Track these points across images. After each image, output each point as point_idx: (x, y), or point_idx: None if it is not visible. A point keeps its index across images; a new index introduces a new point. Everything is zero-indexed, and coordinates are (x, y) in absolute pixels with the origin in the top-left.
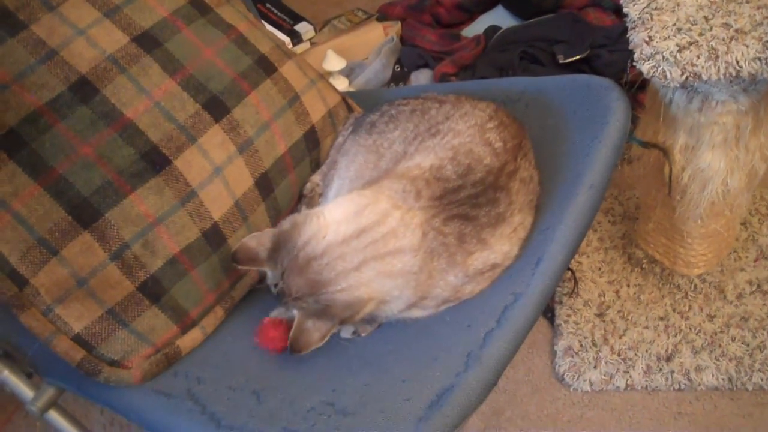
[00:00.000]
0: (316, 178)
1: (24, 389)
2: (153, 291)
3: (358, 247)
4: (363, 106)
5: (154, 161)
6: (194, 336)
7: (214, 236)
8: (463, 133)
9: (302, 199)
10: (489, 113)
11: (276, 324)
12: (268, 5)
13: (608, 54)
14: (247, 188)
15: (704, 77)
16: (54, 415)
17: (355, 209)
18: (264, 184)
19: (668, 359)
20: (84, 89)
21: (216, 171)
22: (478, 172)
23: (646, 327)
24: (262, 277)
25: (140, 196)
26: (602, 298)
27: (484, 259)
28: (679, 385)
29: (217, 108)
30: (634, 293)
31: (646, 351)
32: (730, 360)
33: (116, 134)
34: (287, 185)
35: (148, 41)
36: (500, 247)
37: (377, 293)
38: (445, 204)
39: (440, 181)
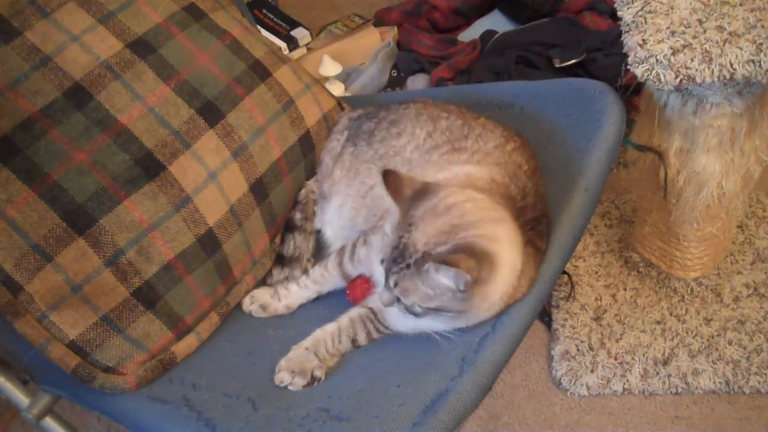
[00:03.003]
0: (312, 184)
1: (20, 396)
2: (148, 297)
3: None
4: None
5: (149, 167)
6: (189, 342)
7: (208, 242)
8: (492, 154)
9: (296, 206)
10: (501, 133)
11: (366, 279)
12: (264, 11)
13: (604, 58)
14: (242, 193)
15: (698, 80)
16: (50, 423)
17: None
18: (259, 189)
19: (665, 363)
20: (78, 95)
21: (210, 176)
22: (530, 197)
23: (643, 331)
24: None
25: (135, 202)
26: (599, 302)
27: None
28: (676, 389)
29: (211, 113)
30: (631, 297)
31: (643, 355)
32: (727, 363)
33: (110, 140)
34: (282, 190)
35: (142, 47)
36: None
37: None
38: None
39: (509, 199)
